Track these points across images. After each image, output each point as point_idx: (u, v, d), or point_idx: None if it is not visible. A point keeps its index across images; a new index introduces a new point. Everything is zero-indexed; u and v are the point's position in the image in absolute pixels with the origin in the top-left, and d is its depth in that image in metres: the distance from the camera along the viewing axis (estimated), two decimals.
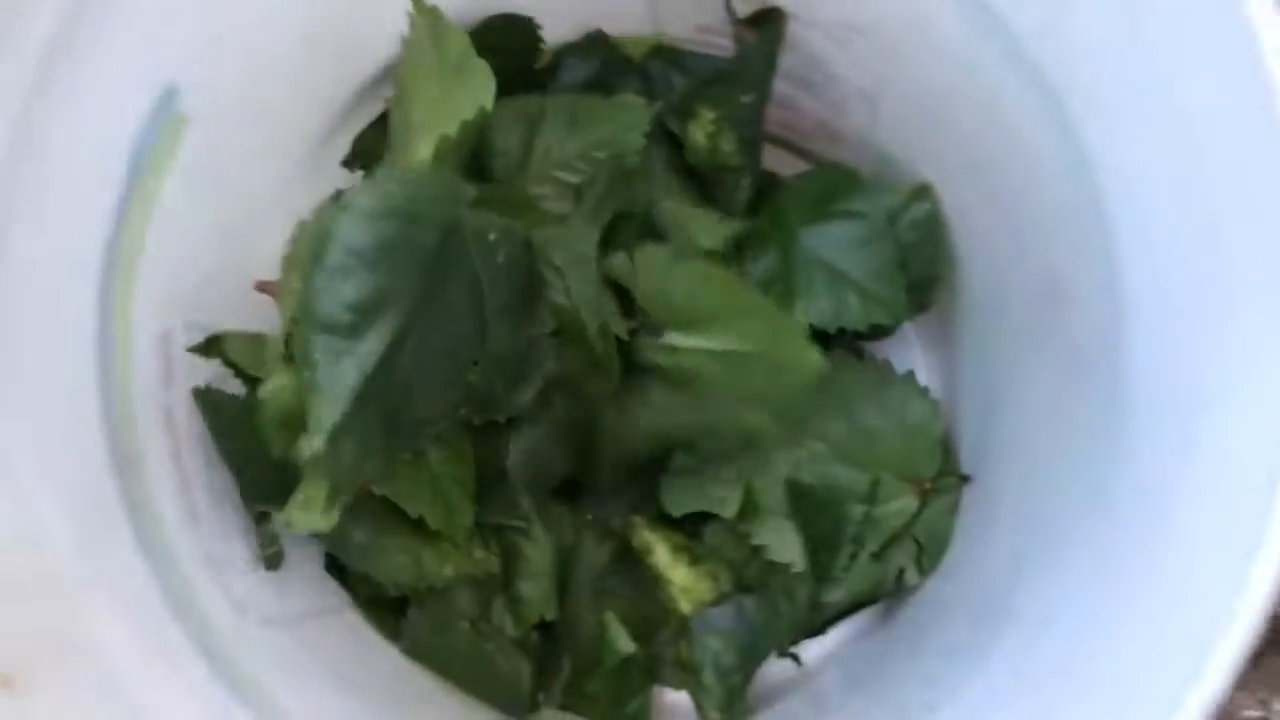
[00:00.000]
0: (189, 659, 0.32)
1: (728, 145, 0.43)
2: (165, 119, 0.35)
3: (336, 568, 0.44)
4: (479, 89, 0.37)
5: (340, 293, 0.33)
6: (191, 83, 0.35)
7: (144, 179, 0.35)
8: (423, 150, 0.38)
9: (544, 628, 0.46)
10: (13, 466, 0.28)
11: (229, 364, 0.39)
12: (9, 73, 0.29)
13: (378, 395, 0.34)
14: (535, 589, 0.45)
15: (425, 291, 0.35)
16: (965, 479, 0.46)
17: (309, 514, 0.34)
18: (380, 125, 0.45)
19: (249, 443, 0.38)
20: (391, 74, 0.43)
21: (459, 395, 0.39)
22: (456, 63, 0.38)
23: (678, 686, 0.46)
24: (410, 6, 0.40)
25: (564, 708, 0.45)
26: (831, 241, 0.44)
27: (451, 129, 0.36)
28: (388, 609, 0.44)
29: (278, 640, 0.37)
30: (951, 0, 0.35)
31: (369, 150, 0.45)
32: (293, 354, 0.34)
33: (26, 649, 0.25)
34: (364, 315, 0.33)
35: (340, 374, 0.33)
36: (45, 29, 0.30)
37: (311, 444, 0.33)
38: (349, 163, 0.45)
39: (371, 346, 0.34)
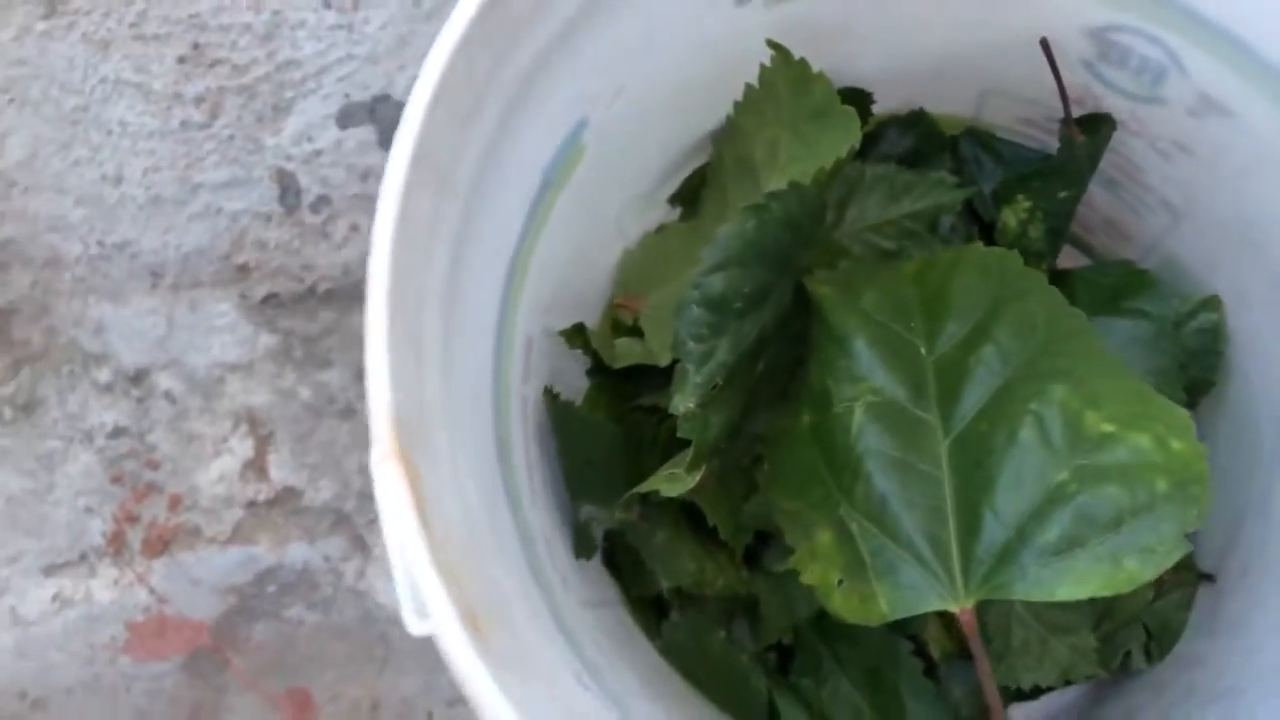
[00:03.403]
0: (548, 621, 0.35)
1: (1035, 233, 0.46)
2: (571, 148, 0.39)
3: (612, 565, 0.48)
4: (847, 130, 0.41)
5: (737, 280, 0.37)
6: (596, 119, 0.40)
7: (545, 201, 0.39)
8: (775, 185, 0.42)
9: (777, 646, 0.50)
10: (456, 446, 0.32)
11: (589, 351, 0.44)
12: (490, 111, 0.33)
13: (741, 380, 0.38)
14: (779, 610, 0.49)
15: (791, 296, 0.39)
16: (1206, 578, 0.48)
17: (673, 483, 0.38)
18: (703, 173, 0.49)
19: (583, 444, 0.42)
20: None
21: (778, 410, 0.42)
22: (820, 107, 0.42)
23: None
24: (768, 60, 0.44)
25: None
26: (1118, 335, 0.46)
27: (826, 162, 0.39)
28: (650, 609, 0.48)
29: (591, 620, 0.40)
30: None
31: (693, 190, 0.49)
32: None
33: (480, 598, 0.29)
34: (749, 304, 0.37)
35: (719, 348, 0.37)
36: (521, 66, 0.34)
37: (686, 402, 0.37)
38: (673, 199, 0.49)
39: (748, 331, 0.38)
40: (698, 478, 0.38)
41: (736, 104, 0.45)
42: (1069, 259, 0.52)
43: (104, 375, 0.60)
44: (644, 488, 0.39)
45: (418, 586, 0.28)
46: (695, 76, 0.42)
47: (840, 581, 0.37)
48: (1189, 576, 0.49)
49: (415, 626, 0.30)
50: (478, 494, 0.34)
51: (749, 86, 0.45)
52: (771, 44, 0.41)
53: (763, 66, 0.43)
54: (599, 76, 0.38)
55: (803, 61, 0.42)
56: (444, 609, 0.27)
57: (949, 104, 0.48)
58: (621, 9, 0.36)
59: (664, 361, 0.42)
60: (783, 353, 0.42)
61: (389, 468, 0.28)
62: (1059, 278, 0.48)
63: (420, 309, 0.31)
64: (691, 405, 0.37)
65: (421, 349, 0.31)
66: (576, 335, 0.44)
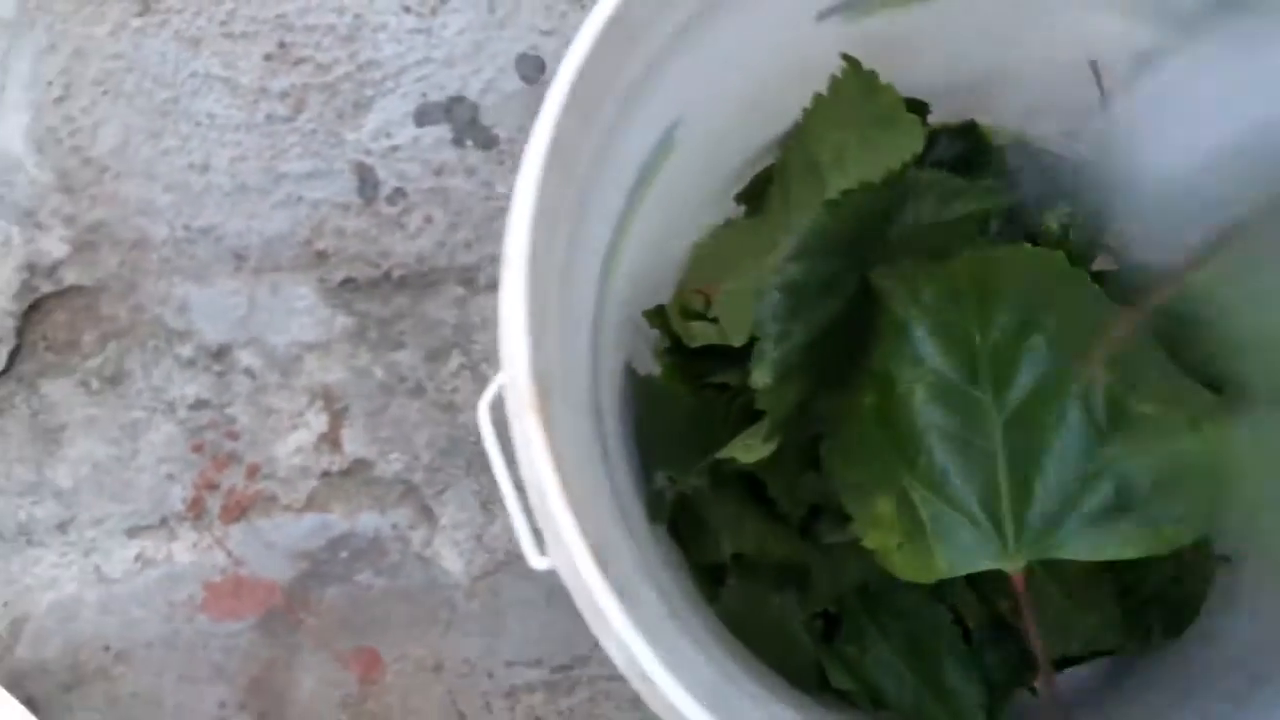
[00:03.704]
0: (642, 571, 0.39)
1: (1075, 237, 0.50)
2: (664, 145, 0.43)
3: (675, 535, 0.52)
4: (911, 137, 0.45)
5: (813, 269, 0.41)
6: (688, 119, 0.44)
7: (639, 193, 0.43)
8: (841, 186, 0.45)
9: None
10: (570, 406, 0.36)
11: (666, 331, 0.48)
12: (606, 108, 0.37)
13: (811, 360, 0.42)
14: (827, 579, 0.52)
15: (856, 287, 0.43)
16: (1223, 559, 0.52)
17: (749, 451, 0.42)
18: (768, 173, 0.53)
19: (662, 415, 0.46)
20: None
21: (839, 391, 0.46)
22: (887, 115, 0.46)
23: None
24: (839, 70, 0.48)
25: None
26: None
27: (892, 164, 0.43)
28: (707, 576, 0.52)
29: (668, 579, 0.44)
30: None
31: (759, 189, 0.53)
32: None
33: (598, 539, 0.33)
34: (822, 291, 0.42)
35: (795, 330, 0.41)
36: (637, 68, 0.38)
37: (764, 378, 0.41)
38: (739, 197, 0.53)
39: (820, 316, 0.42)
40: (773, 447, 0.42)
41: (806, 110, 0.49)
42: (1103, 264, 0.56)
43: (187, 351, 0.64)
44: (722, 454, 0.43)
45: (552, 520, 0.32)
46: (774, 84, 0.46)
47: (900, 545, 0.41)
48: (1207, 559, 0.52)
49: (536, 562, 0.34)
50: (584, 451, 0.38)
51: (818, 95, 0.49)
52: (845, 56, 0.45)
53: (833, 76, 0.47)
54: (695, 80, 0.42)
55: (872, 72, 0.46)
56: (576, 542, 0.31)
57: (998, 116, 0.52)
58: (722, 18, 0.40)
59: (737, 342, 0.46)
60: (846, 338, 0.45)
61: (528, 416, 0.32)
62: (1094, 279, 0.52)
63: (546, 282, 0.35)
64: (769, 380, 0.41)
65: (546, 318, 0.35)
66: (657, 316, 0.48)
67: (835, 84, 0.48)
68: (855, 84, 0.46)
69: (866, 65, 0.46)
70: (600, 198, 0.40)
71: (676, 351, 0.49)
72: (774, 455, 0.47)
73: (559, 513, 0.31)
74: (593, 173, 0.38)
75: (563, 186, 0.36)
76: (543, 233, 0.34)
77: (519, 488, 0.36)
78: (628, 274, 0.45)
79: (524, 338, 0.32)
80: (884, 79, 0.47)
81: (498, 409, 0.38)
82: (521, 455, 0.33)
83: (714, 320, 0.49)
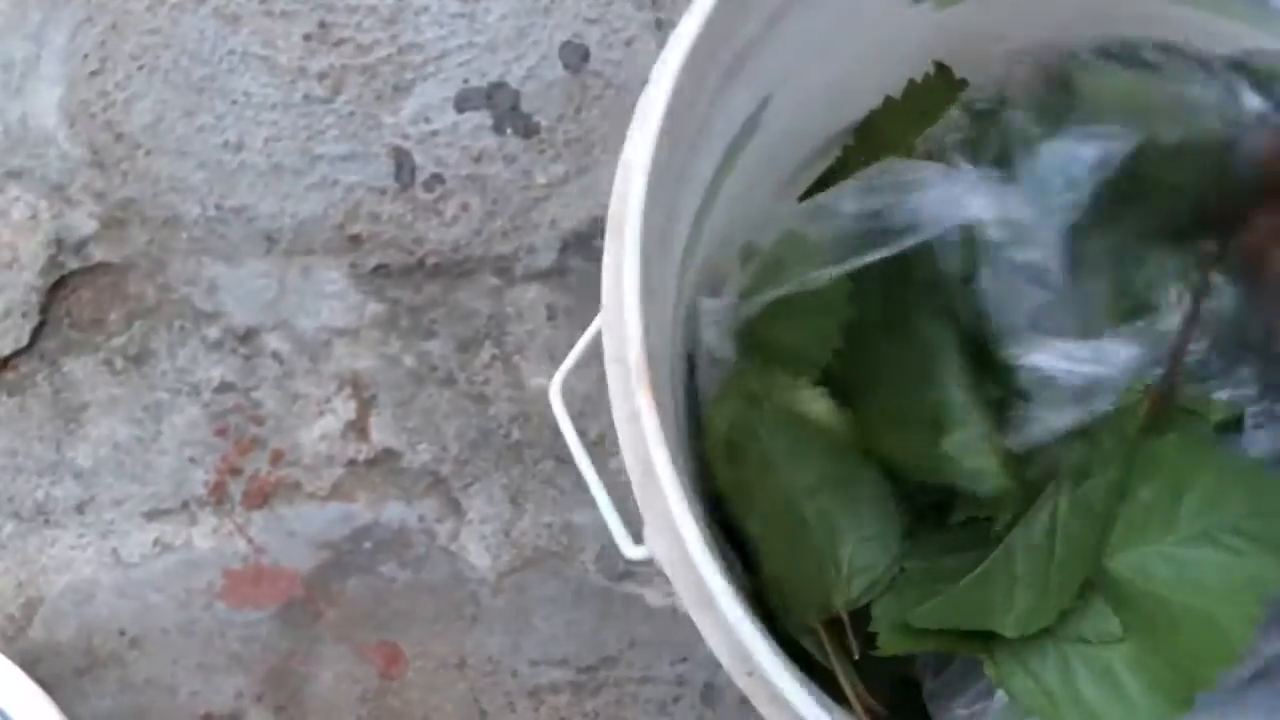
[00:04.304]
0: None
1: None
2: (751, 124, 0.43)
3: None
4: None
5: None
6: (777, 99, 0.43)
7: (721, 174, 0.42)
8: None
9: None
10: (662, 384, 0.35)
11: None
12: (710, 80, 0.37)
13: None
14: None
15: None
16: None
17: None
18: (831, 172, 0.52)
19: None
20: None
21: None
22: None
23: None
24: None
25: None
26: None
27: None
28: None
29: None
30: None
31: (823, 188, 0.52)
32: None
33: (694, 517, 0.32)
34: None
35: None
36: (737, 46, 0.38)
37: None
38: (802, 197, 0.52)
39: None
40: None
41: (874, 111, 0.49)
42: None
43: (214, 333, 0.63)
44: None
45: (660, 502, 0.31)
46: (860, 68, 0.46)
47: None
48: None
49: (631, 551, 0.33)
50: (672, 436, 0.37)
51: (889, 98, 0.48)
52: (937, 64, 0.45)
53: (911, 81, 0.47)
54: (789, 59, 0.41)
55: (961, 81, 0.46)
56: (688, 525, 0.30)
57: None
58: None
59: None
60: None
61: (641, 394, 0.31)
62: None
63: (650, 261, 0.34)
64: None
65: (650, 296, 0.34)
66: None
67: (911, 89, 0.47)
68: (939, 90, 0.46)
69: (956, 52, 0.45)
70: (693, 177, 0.39)
71: None
72: None
73: (671, 493, 0.31)
74: (689, 152, 0.37)
75: (670, 157, 0.35)
76: (653, 214, 0.34)
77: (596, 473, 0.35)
78: (699, 262, 0.45)
79: (638, 312, 0.32)
80: (970, 68, 0.46)
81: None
82: (626, 435, 0.32)
83: None
